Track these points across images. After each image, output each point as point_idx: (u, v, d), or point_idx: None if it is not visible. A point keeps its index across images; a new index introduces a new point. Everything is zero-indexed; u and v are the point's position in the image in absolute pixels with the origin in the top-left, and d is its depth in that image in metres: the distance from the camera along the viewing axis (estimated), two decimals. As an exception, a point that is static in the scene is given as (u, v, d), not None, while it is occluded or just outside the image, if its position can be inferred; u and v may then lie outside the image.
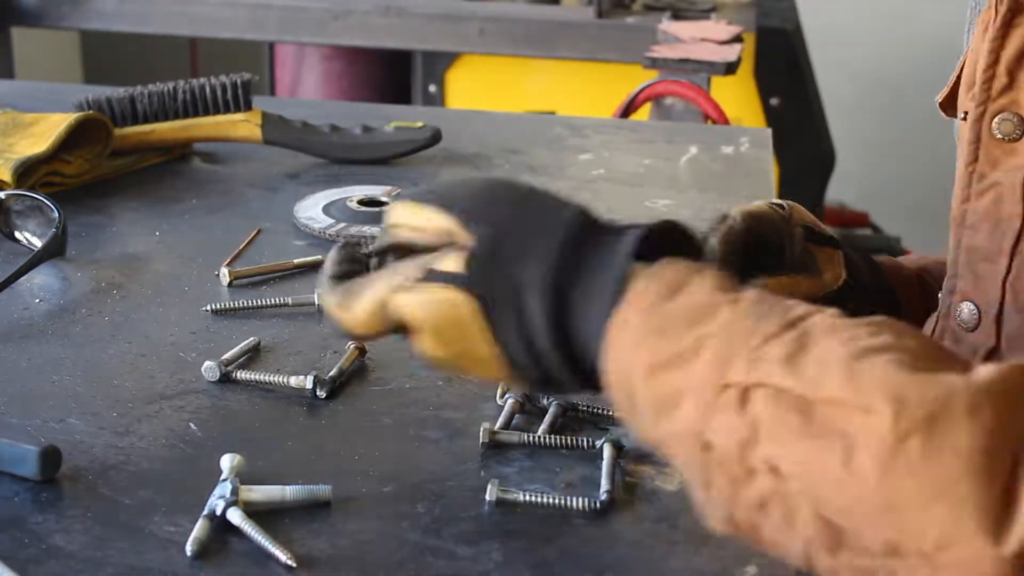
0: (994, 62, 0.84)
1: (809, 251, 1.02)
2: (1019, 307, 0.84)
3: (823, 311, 0.66)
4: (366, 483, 0.82)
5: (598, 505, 0.79)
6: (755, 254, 0.99)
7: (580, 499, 0.79)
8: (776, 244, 1.00)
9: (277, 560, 0.74)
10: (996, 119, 0.84)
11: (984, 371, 0.60)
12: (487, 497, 0.79)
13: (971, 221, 0.87)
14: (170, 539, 0.76)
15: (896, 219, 3.12)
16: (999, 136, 0.85)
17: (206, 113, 1.43)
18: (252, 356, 0.99)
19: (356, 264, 0.80)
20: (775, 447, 0.61)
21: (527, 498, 0.80)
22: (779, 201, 1.03)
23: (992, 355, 0.86)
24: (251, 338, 0.99)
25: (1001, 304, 0.86)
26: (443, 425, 0.90)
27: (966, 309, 0.88)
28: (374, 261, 0.79)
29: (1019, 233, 0.84)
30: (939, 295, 0.96)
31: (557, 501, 0.79)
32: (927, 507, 0.57)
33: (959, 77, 0.95)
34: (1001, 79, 0.84)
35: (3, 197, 1.17)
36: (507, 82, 2.57)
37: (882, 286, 1.05)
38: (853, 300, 1.01)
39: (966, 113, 0.89)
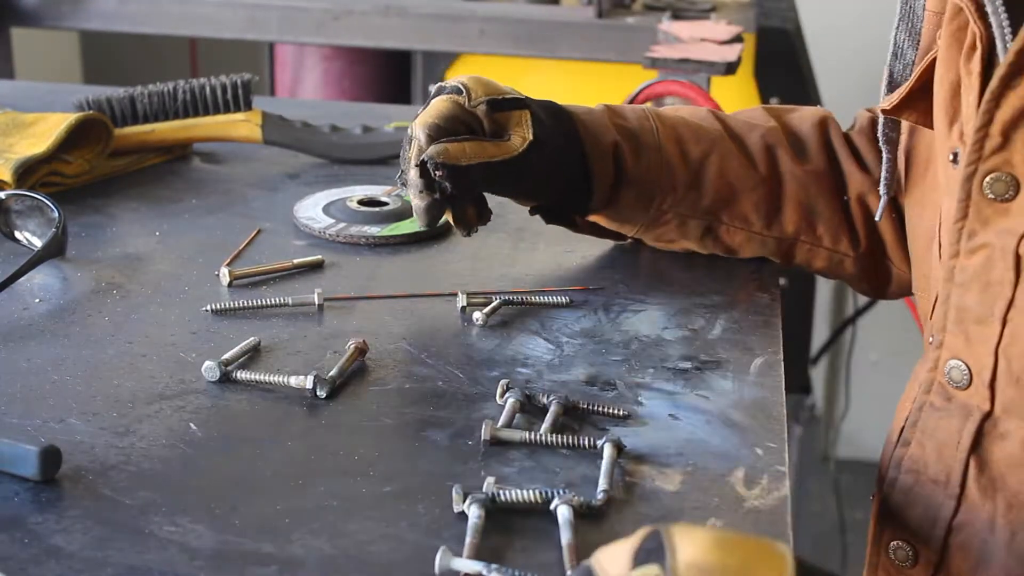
0: (987, 122, 0.81)
1: (498, 120, 1.06)
2: (1013, 375, 0.82)
3: None
4: (366, 483, 0.82)
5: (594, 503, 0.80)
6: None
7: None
8: (466, 131, 1.05)
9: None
10: (988, 178, 0.81)
11: None
12: (484, 489, 0.80)
13: (960, 279, 0.85)
14: (170, 539, 0.76)
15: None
16: (991, 196, 0.82)
17: (206, 113, 1.43)
18: (252, 356, 0.99)
19: None
20: None
21: (518, 497, 0.80)
22: (456, 83, 1.06)
23: (987, 420, 0.84)
24: (251, 338, 0.99)
25: (994, 371, 0.83)
26: (443, 425, 0.90)
27: (956, 368, 0.86)
28: None
29: (1011, 299, 0.81)
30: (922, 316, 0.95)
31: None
32: None
33: (912, 88, 0.93)
34: (995, 139, 0.81)
35: (3, 197, 1.17)
36: (507, 82, 2.56)
37: (572, 145, 1.09)
38: (539, 157, 1.06)
39: (954, 155, 0.86)
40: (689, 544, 0.61)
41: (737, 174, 1.12)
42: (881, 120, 1.00)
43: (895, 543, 0.91)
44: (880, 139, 1.01)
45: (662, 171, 1.12)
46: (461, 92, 1.06)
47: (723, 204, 1.13)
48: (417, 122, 1.04)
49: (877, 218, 1.05)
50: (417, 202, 1.05)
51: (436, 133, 1.03)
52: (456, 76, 1.07)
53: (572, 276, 1.15)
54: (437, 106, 1.05)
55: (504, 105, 1.06)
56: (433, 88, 1.08)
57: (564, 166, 1.09)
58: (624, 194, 1.12)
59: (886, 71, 0.97)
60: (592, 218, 1.16)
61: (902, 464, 0.90)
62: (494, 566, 0.73)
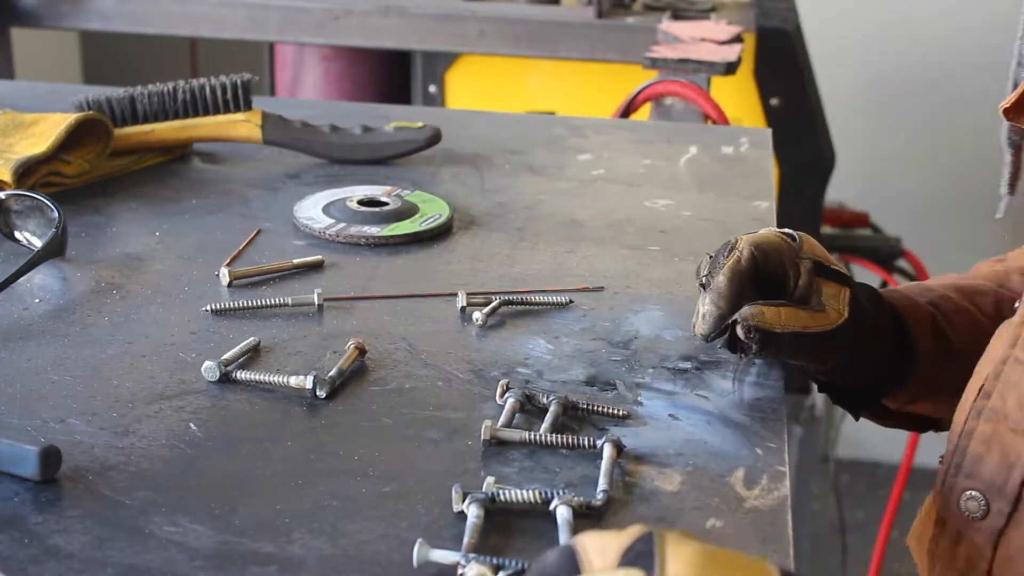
0: None
1: (816, 285, 1.00)
2: None
3: None
4: (366, 483, 0.83)
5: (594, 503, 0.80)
6: (759, 281, 0.98)
7: None
8: (781, 273, 0.99)
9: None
10: None
11: None
12: (483, 489, 0.80)
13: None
14: (170, 539, 0.76)
15: (896, 219, 3.12)
16: None
17: (206, 113, 1.43)
18: (252, 356, 0.99)
19: None
20: None
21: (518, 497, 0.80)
22: (791, 231, 1.02)
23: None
24: (251, 338, 0.99)
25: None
26: (443, 425, 0.90)
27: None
28: None
29: None
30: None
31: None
32: None
33: None
34: None
35: (3, 197, 1.17)
36: (507, 82, 2.56)
37: (884, 324, 1.04)
38: (854, 338, 1.00)
39: None
40: (679, 557, 0.60)
41: None
42: (1006, 124, 1.01)
43: (968, 493, 0.92)
44: (1005, 141, 1.01)
45: (975, 335, 1.07)
46: (794, 239, 1.01)
47: None
48: (745, 236, 1.00)
49: (999, 215, 1.03)
50: (709, 308, 0.99)
51: (759, 253, 0.98)
52: (787, 230, 1.03)
53: (572, 276, 1.15)
54: (768, 235, 1.01)
55: (828, 274, 1.01)
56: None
57: (876, 347, 1.05)
58: (947, 365, 1.07)
59: (1010, 80, 0.98)
60: (909, 404, 1.11)
61: (982, 414, 0.91)
62: (471, 555, 0.73)
